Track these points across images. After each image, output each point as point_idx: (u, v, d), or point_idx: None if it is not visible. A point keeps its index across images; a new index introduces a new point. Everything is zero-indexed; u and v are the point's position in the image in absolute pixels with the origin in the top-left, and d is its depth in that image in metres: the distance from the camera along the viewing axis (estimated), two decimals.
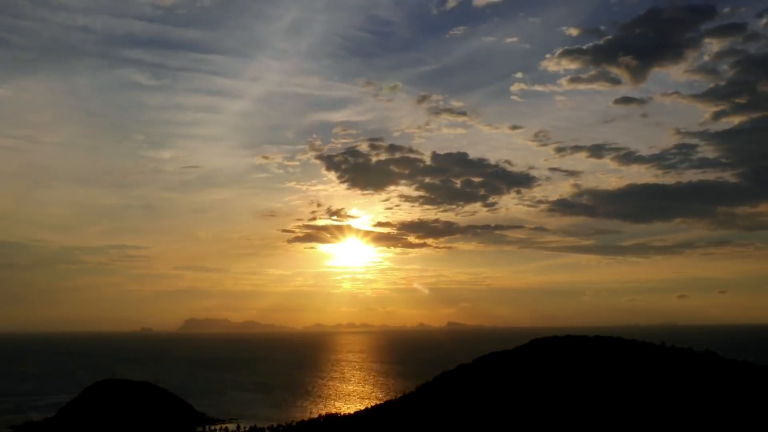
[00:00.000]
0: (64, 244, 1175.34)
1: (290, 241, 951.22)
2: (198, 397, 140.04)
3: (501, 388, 72.80)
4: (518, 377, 74.41)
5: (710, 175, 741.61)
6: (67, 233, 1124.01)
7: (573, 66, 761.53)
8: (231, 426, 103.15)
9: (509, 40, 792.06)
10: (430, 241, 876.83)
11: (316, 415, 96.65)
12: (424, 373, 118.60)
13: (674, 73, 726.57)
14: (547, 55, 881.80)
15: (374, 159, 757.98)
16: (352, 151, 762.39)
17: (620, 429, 59.68)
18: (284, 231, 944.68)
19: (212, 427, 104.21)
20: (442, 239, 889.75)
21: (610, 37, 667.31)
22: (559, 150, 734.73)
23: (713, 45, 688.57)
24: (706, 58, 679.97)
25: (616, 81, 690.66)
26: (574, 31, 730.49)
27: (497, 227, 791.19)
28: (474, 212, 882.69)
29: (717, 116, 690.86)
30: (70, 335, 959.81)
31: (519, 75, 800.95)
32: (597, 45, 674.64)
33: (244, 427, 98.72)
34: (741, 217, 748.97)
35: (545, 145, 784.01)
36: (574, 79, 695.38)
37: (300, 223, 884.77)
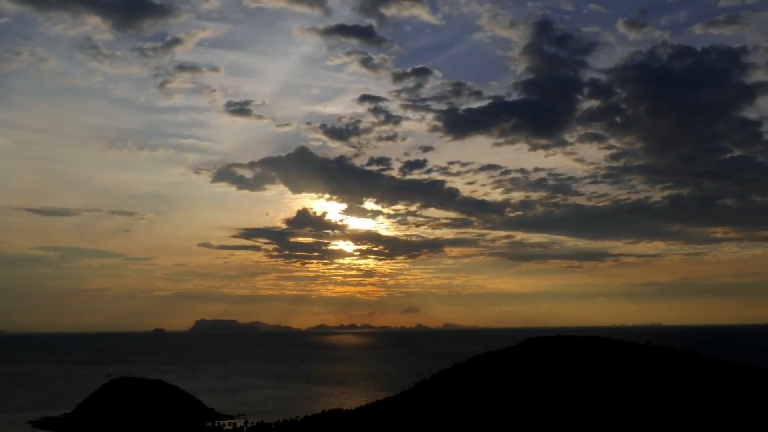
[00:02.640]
0: (76, 246, 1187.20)
1: (288, 246, 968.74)
2: (208, 393, 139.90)
3: (496, 385, 72.91)
4: (512, 375, 74.50)
5: (642, 196, 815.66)
6: (78, 236, 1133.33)
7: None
8: (239, 421, 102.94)
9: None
10: (416, 252, 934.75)
11: (319, 411, 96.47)
12: (422, 371, 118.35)
13: (576, 126, 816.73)
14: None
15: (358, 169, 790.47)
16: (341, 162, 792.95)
17: (609, 423, 59.77)
18: (280, 235, 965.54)
19: (221, 423, 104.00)
20: (426, 251, 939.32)
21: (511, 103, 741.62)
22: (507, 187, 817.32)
23: (593, 106, 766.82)
24: (593, 112, 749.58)
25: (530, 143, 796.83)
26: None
27: (475, 241, 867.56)
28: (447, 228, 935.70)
29: (616, 157, 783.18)
30: (85, 335, 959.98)
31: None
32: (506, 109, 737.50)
33: (252, 422, 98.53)
34: (677, 234, 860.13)
35: (497, 179, 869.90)
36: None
37: (301, 230, 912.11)
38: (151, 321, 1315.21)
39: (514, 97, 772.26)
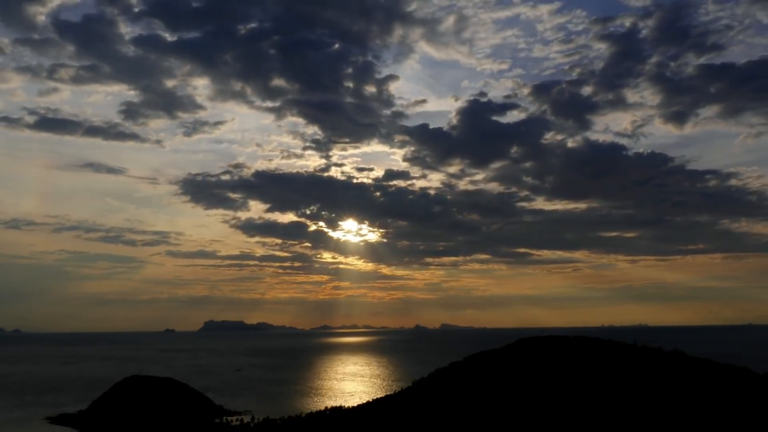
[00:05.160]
0: (85, 252, 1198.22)
1: (287, 255, 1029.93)
2: (216, 391, 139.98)
3: (491, 383, 73.07)
4: (507, 374, 74.65)
5: (594, 217, 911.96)
6: (84, 241, 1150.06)
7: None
8: (246, 418, 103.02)
9: None
10: (408, 261, 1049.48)
11: (322, 408, 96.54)
12: (420, 370, 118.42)
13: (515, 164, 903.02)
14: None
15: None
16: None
17: (599, 420, 59.95)
18: (279, 245, 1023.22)
19: (229, 419, 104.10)
20: (418, 259, 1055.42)
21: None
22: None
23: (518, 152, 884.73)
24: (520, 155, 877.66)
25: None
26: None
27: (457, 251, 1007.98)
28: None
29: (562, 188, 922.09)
30: (99, 335, 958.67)
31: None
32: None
33: (258, 419, 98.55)
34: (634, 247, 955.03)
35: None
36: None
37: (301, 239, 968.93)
38: (162, 323, 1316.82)
39: (457, 135, 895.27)
